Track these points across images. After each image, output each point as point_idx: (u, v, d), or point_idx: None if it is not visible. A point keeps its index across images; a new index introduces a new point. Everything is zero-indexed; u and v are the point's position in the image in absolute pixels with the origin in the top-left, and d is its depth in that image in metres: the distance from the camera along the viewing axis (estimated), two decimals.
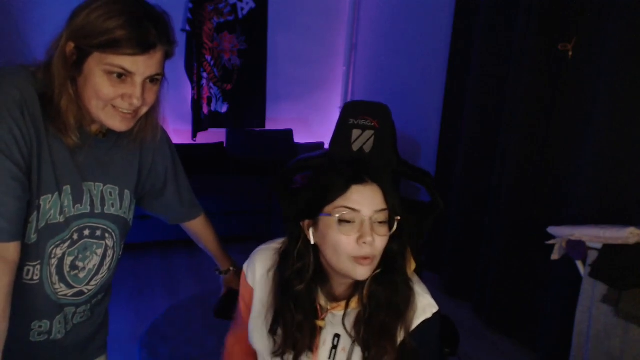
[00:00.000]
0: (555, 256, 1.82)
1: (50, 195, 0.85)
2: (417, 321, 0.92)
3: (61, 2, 3.66)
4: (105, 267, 0.99)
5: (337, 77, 4.51)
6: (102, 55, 0.77)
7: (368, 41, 4.25)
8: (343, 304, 0.94)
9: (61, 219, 0.88)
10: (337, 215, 0.85)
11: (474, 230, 2.79)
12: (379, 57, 4.07)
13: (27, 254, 0.86)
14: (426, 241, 3.40)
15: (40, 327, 0.93)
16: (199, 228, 1.24)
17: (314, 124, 4.44)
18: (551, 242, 1.83)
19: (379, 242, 0.87)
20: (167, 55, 0.85)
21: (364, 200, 0.86)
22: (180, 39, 3.90)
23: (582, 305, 1.75)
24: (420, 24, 3.49)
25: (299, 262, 0.93)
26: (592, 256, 1.69)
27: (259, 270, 1.00)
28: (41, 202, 0.85)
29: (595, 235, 1.68)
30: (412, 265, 0.99)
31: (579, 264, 1.78)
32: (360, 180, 0.88)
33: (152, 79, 0.83)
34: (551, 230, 1.84)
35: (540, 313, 2.36)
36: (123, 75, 0.80)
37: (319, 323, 0.94)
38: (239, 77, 4.14)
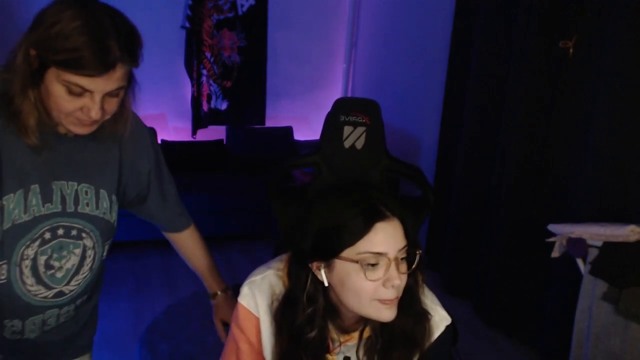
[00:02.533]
0: (555, 254, 1.83)
1: (12, 195, 0.84)
2: (432, 339, 0.89)
3: None
4: (86, 267, 0.96)
5: (337, 74, 4.51)
6: (60, 71, 0.76)
7: (368, 39, 4.25)
8: (355, 335, 0.89)
9: (27, 218, 0.86)
10: (365, 262, 0.77)
11: (474, 229, 2.79)
12: (379, 56, 4.08)
13: None
14: (426, 239, 3.39)
15: (12, 326, 0.92)
16: (187, 242, 1.17)
17: (314, 122, 4.44)
18: (551, 239, 1.84)
19: (404, 279, 0.81)
20: (132, 67, 0.83)
21: (389, 240, 0.78)
22: (180, 36, 3.90)
23: (582, 304, 1.75)
24: (420, 24, 3.49)
25: (309, 308, 0.84)
26: (593, 254, 1.70)
27: (261, 301, 0.90)
28: (4, 202, 0.83)
29: (595, 233, 1.68)
30: (420, 278, 0.93)
31: (579, 261, 1.79)
32: (382, 216, 0.78)
33: (112, 93, 0.82)
34: (551, 228, 1.84)
35: (541, 312, 2.37)
36: (81, 92, 0.78)
37: (331, 358, 0.90)
38: (238, 75, 4.14)
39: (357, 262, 0.78)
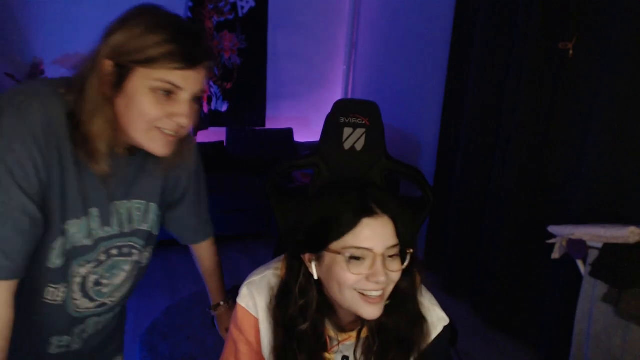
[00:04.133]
0: (555, 255, 1.82)
1: (77, 220, 0.82)
2: (429, 340, 0.89)
3: (61, 0, 3.64)
4: (131, 281, 0.97)
5: (337, 75, 4.51)
6: (149, 70, 0.72)
7: (368, 40, 4.26)
8: (353, 334, 0.89)
9: (87, 242, 0.85)
10: (347, 254, 0.78)
11: (473, 230, 2.79)
12: (379, 57, 4.08)
13: (50, 277, 0.83)
14: (426, 239, 3.38)
15: (60, 341, 0.92)
16: (207, 250, 1.17)
17: (314, 123, 4.44)
18: (552, 241, 1.84)
19: (392, 277, 0.81)
20: (208, 73, 0.81)
21: (376, 236, 0.79)
22: None
23: (582, 305, 1.75)
24: (420, 24, 3.49)
25: (301, 299, 0.85)
26: (593, 255, 1.69)
27: (260, 301, 0.91)
28: (67, 227, 0.81)
29: (595, 235, 1.68)
30: (419, 277, 0.92)
31: (580, 263, 1.79)
32: (370, 212, 0.79)
33: (196, 97, 0.79)
34: (552, 229, 1.84)
35: (541, 312, 2.36)
36: (170, 93, 0.75)
37: (329, 356, 0.90)
38: (239, 76, 4.14)
39: (341, 254, 0.79)
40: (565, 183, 2.24)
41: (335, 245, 0.80)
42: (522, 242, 2.43)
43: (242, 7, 4.02)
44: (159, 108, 0.75)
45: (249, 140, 4.18)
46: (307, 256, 0.85)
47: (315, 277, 0.84)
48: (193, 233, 1.13)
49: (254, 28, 4.10)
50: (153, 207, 0.95)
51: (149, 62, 0.72)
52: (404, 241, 0.83)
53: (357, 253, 0.78)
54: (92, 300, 0.91)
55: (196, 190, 1.07)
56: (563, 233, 1.78)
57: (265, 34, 4.14)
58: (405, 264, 0.82)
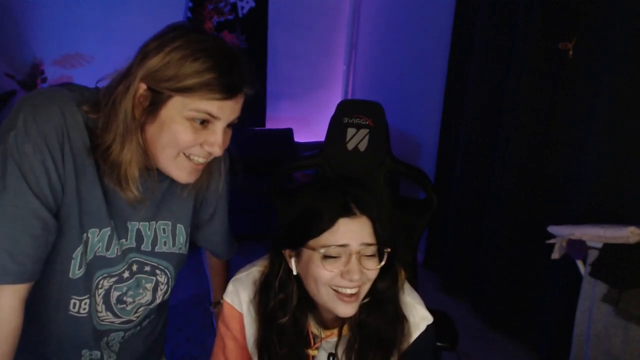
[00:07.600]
0: (555, 255, 1.82)
1: (98, 230, 0.80)
2: (411, 339, 0.89)
3: (61, 1, 3.64)
4: (157, 300, 0.94)
5: (337, 76, 4.51)
6: (186, 99, 0.70)
7: (368, 40, 4.26)
8: (336, 331, 0.90)
9: (108, 254, 0.83)
10: (322, 251, 0.80)
11: (473, 229, 2.79)
12: (379, 57, 4.08)
13: (73, 289, 0.81)
14: (426, 239, 3.39)
15: (90, 355, 0.90)
16: (219, 263, 1.17)
17: (314, 123, 4.44)
18: (551, 241, 1.84)
19: (368, 275, 0.82)
20: (249, 93, 0.79)
21: (352, 234, 0.80)
22: None
23: (582, 305, 1.75)
24: (420, 24, 3.49)
25: (281, 293, 0.87)
26: (593, 255, 1.69)
27: (244, 296, 0.92)
28: (89, 235, 0.79)
29: (595, 235, 1.68)
30: (403, 275, 0.93)
31: (579, 263, 1.79)
32: (349, 212, 0.81)
33: (230, 124, 0.77)
34: (551, 229, 1.84)
35: (541, 312, 2.36)
36: (206, 121, 0.73)
37: (312, 352, 0.90)
38: None
39: (318, 251, 0.81)
40: (565, 183, 2.23)
41: (313, 242, 0.82)
42: (522, 242, 2.43)
43: (242, 8, 4.02)
44: (192, 137, 0.73)
45: (248, 141, 4.17)
46: (287, 252, 0.87)
47: (295, 272, 0.86)
48: (224, 248, 1.10)
49: (254, 28, 4.10)
50: (180, 228, 0.92)
51: (187, 91, 0.69)
52: (383, 241, 0.84)
53: (333, 251, 0.80)
54: (116, 316, 0.89)
55: (225, 205, 1.04)
56: (563, 233, 1.78)
57: (265, 34, 4.14)
58: (382, 262, 0.83)
